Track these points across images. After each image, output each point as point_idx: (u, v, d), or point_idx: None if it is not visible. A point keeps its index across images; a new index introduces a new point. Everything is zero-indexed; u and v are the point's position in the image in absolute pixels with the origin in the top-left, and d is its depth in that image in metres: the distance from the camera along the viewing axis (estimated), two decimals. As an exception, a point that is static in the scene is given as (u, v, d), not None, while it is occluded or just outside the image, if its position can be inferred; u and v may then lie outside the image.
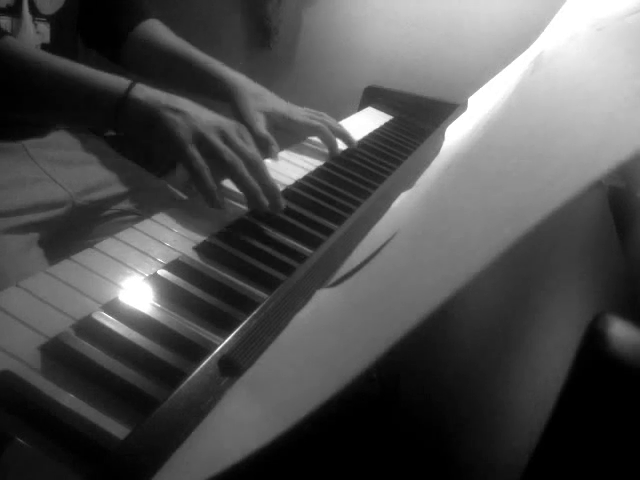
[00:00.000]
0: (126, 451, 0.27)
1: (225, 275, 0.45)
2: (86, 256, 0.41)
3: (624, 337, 0.14)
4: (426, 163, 0.58)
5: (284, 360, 0.27)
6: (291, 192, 0.61)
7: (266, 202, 0.53)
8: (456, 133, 0.63)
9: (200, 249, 0.47)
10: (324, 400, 0.17)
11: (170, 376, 0.33)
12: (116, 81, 0.54)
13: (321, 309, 0.32)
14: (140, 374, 0.33)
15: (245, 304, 0.41)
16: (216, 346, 0.35)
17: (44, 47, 0.68)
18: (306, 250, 0.51)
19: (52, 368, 0.32)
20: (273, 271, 0.46)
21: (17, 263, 0.57)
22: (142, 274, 0.42)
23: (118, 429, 0.30)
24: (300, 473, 0.25)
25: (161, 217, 0.50)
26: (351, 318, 0.25)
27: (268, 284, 0.44)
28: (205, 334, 0.38)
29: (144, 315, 0.37)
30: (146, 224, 0.48)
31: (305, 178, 0.66)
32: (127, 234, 0.46)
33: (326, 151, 0.75)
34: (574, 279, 0.32)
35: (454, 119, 0.73)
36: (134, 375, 0.33)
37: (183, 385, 0.31)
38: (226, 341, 0.35)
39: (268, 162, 0.66)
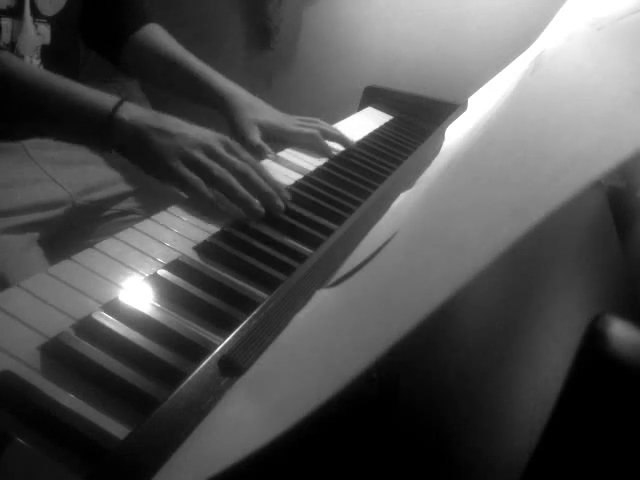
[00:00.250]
0: (126, 451, 0.27)
1: (225, 275, 0.45)
2: (86, 256, 0.41)
3: (624, 337, 0.14)
4: (426, 163, 0.58)
5: (284, 360, 0.27)
6: (291, 192, 0.61)
7: (261, 211, 0.53)
8: (456, 133, 0.63)
9: (200, 249, 0.47)
10: (324, 400, 0.17)
11: (170, 376, 0.33)
12: (101, 100, 0.54)
13: (321, 309, 0.32)
14: (140, 374, 0.33)
15: (245, 304, 0.41)
16: (216, 346, 0.35)
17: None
18: (306, 250, 0.51)
19: (52, 368, 0.32)
20: (273, 271, 0.46)
21: (17, 263, 0.57)
22: (142, 274, 0.42)
23: (118, 429, 0.30)
24: (300, 473, 0.25)
25: (161, 217, 0.50)
26: (351, 318, 0.25)
27: (268, 284, 0.44)
28: (205, 334, 0.38)
29: (144, 315, 0.37)
30: (146, 224, 0.48)
31: (305, 178, 0.66)
32: (127, 234, 0.46)
33: None
34: (574, 279, 0.32)
35: (454, 119, 0.73)
36: (134, 375, 0.33)
37: (183, 385, 0.31)
38: (226, 341, 0.35)
39: (268, 162, 0.67)
